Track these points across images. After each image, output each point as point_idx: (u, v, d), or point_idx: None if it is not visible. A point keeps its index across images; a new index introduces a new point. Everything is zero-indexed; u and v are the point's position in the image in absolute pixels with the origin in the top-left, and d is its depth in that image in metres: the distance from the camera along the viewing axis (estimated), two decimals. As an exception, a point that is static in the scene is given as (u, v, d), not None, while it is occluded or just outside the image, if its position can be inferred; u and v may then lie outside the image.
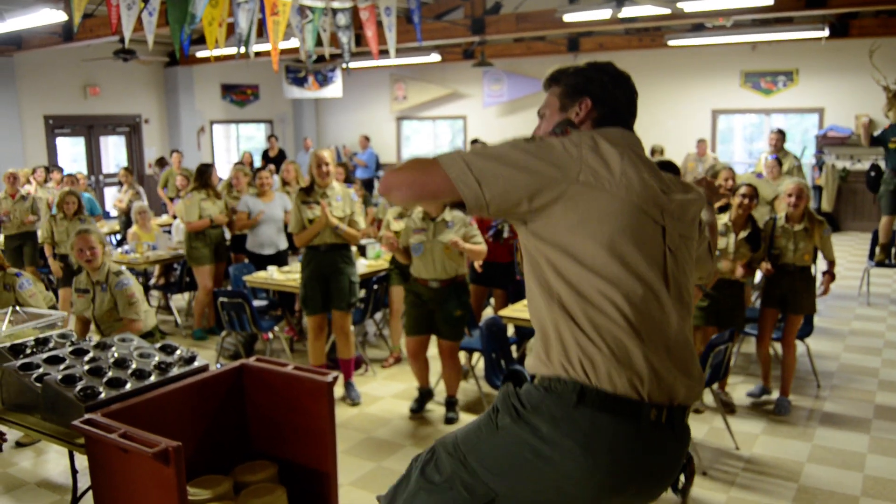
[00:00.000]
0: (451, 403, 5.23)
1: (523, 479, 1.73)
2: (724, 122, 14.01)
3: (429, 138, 17.10)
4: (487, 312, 6.76)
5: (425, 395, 5.38)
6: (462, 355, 5.86)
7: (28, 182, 9.66)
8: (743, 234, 5.11)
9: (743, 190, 5.09)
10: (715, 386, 4.92)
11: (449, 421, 5.14)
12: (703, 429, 4.95)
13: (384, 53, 9.20)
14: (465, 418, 5.19)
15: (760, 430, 4.96)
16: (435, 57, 13.00)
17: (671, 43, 11.33)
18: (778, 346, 5.83)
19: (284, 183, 8.27)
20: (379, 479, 4.39)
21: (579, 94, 1.96)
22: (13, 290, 5.08)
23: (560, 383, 1.73)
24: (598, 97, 1.95)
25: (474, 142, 6.14)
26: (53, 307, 5.60)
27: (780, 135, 7.99)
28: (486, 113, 15.72)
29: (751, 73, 13.23)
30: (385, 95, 16.97)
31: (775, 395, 5.41)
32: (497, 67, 14.46)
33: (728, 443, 4.73)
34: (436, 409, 5.40)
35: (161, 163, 10.66)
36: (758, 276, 5.04)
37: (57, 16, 7.88)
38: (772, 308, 5.27)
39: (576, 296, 1.73)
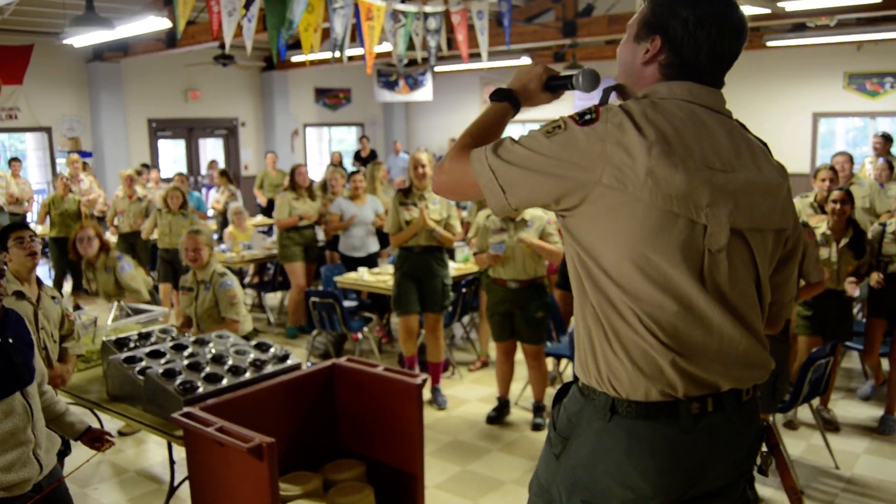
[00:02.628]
0: (538, 409, 5.19)
1: (600, 500, 1.67)
2: (826, 125, 13.46)
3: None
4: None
5: (504, 404, 5.35)
6: (549, 361, 5.80)
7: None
8: (844, 241, 4.90)
9: (835, 195, 4.88)
10: (815, 402, 4.72)
11: (536, 427, 5.10)
12: (800, 446, 4.76)
13: (474, 57, 9.22)
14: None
15: (863, 450, 4.73)
16: (525, 60, 12.94)
17: (770, 44, 10.95)
18: (884, 362, 5.55)
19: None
20: (465, 483, 4.39)
21: (653, 28, 1.67)
22: (114, 272, 5.34)
23: (595, 393, 1.68)
24: (673, 38, 1.64)
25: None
26: (154, 290, 5.84)
27: (885, 139, 7.62)
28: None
29: (855, 74, 12.67)
30: (475, 98, 17.00)
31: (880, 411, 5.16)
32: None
33: (827, 461, 4.53)
34: (523, 414, 5.37)
35: (224, 174, 10.82)
36: (856, 290, 4.81)
37: (162, 23, 8.19)
38: (880, 319, 5.02)
39: (606, 303, 1.62)
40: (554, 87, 1.85)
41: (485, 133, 1.79)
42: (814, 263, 4.26)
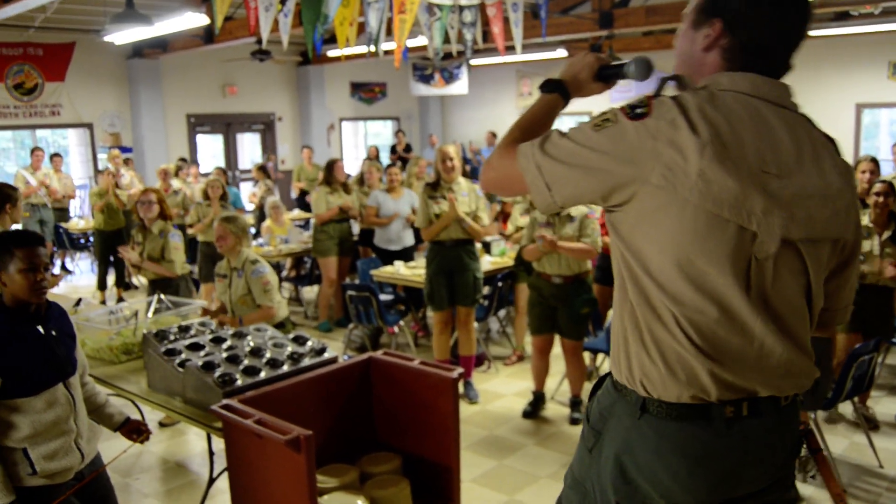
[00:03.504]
0: (575, 404, 5.17)
1: (631, 496, 1.66)
2: (869, 116, 13.17)
3: (553, 135, 16.94)
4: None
5: (540, 398, 5.33)
6: (586, 356, 5.77)
7: (176, 176, 10.21)
8: (887, 234, 4.79)
9: (878, 188, 4.79)
10: (856, 399, 4.63)
11: (573, 422, 5.07)
12: (842, 444, 4.67)
13: (510, 50, 9.17)
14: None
15: (908, 447, 4.64)
16: (561, 52, 12.84)
17: (812, 33, 10.68)
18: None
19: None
20: (500, 478, 4.38)
21: (711, 11, 1.58)
22: (165, 238, 5.53)
23: (626, 390, 1.66)
24: (733, 19, 1.55)
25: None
26: (195, 283, 5.95)
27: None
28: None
29: (901, 63, 12.38)
30: (511, 91, 16.94)
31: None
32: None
33: (870, 460, 4.44)
34: (558, 409, 5.34)
35: (261, 169, 10.90)
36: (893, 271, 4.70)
37: (200, 19, 8.28)
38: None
39: (644, 304, 1.58)
40: (606, 76, 1.79)
41: (534, 126, 1.74)
42: None
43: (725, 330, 1.54)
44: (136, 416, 4.43)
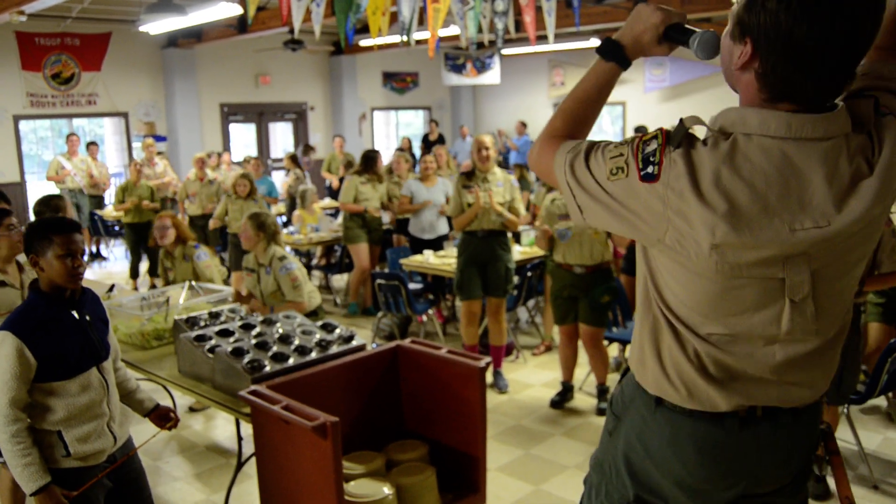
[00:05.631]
0: (602, 392, 5.14)
1: (643, 479, 1.68)
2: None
3: (585, 125, 16.83)
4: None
5: (567, 389, 5.31)
6: (615, 347, 5.74)
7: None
8: None
9: None
10: (891, 394, 4.55)
11: (600, 412, 5.05)
12: (876, 439, 4.60)
13: (542, 39, 9.12)
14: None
15: (944, 444, 4.56)
16: (594, 42, 12.73)
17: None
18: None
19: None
20: (527, 467, 4.38)
21: (746, 27, 1.36)
22: (191, 261, 5.51)
23: (643, 385, 1.67)
24: (764, 43, 1.33)
25: (638, 129, 5.85)
26: (226, 281, 5.98)
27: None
28: (646, 98, 15.26)
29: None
30: (543, 81, 16.84)
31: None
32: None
33: (906, 454, 4.37)
34: (586, 399, 5.32)
35: (293, 158, 10.96)
36: None
37: (233, 9, 8.34)
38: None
39: (664, 326, 1.56)
40: (673, 39, 1.60)
41: (581, 108, 1.65)
42: (889, 252, 4.10)
43: (746, 364, 1.53)
44: (166, 400, 4.50)
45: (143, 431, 3.61)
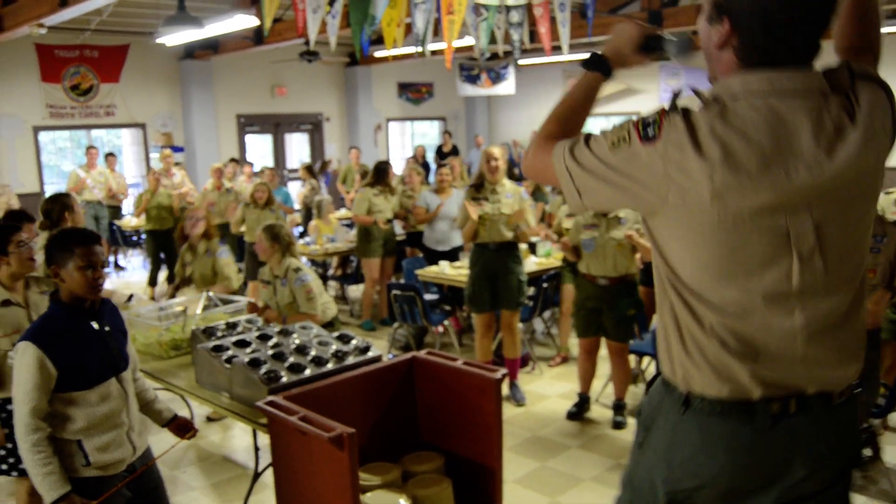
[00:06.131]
0: (618, 407, 5.11)
1: (675, 490, 1.65)
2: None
3: (601, 135, 16.79)
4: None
5: (585, 400, 5.29)
6: (632, 359, 5.71)
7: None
8: None
9: None
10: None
11: (617, 425, 5.02)
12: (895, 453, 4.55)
13: (557, 50, 9.12)
14: (634, 424, 5.05)
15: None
16: (604, 53, 12.70)
17: (886, 30, 10.44)
18: None
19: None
20: (544, 479, 4.37)
21: (722, 8, 1.51)
22: (213, 257, 5.60)
23: (672, 386, 1.67)
24: (741, 19, 1.48)
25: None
26: (244, 283, 6.04)
27: None
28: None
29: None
30: (557, 92, 16.83)
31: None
32: (674, 61, 13.96)
33: (927, 468, 4.32)
34: (603, 411, 5.30)
35: (308, 169, 10.99)
36: None
37: (250, 21, 8.40)
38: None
39: (682, 305, 1.58)
40: (648, 48, 1.76)
41: (572, 113, 1.76)
42: None
43: (766, 333, 1.53)
44: (183, 410, 4.52)
45: (161, 441, 3.63)
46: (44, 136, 12.60)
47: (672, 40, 1.70)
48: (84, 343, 2.66)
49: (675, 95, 1.57)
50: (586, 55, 1.81)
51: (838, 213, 1.49)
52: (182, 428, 3.10)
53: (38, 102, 12.00)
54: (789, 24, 1.45)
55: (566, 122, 1.73)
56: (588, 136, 1.61)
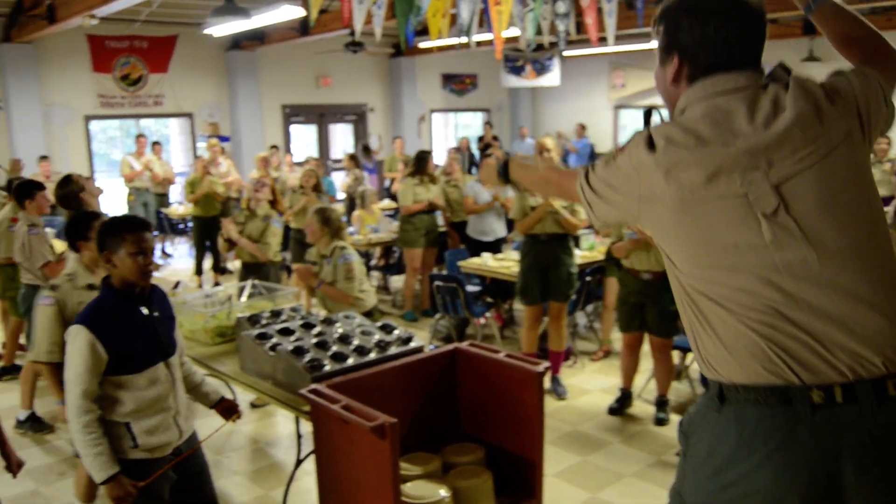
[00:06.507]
0: (661, 403, 5.05)
1: (720, 498, 1.59)
2: None
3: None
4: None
5: (627, 396, 5.24)
6: (675, 354, 5.64)
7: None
8: None
9: None
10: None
11: (659, 422, 4.97)
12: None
13: (603, 41, 9.03)
14: (676, 420, 4.99)
15: None
16: (657, 43, 12.52)
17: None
18: None
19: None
20: (584, 474, 4.34)
21: (669, 47, 1.72)
22: (267, 222, 5.76)
23: (709, 383, 1.68)
24: (686, 49, 1.68)
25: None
26: (285, 267, 6.17)
27: None
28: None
29: None
30: (603, 83, 16.67)
31: None
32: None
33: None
34: (645, 407, 5.25)
35: (353, 158, 11.03)
36: None
37: (296, 12, 8.45)
38: None
39: (694, 291, 1.64)
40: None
41: (535, 171, 2.17)
42: None
43: (774, 303, 1.53)
44: (228, 396, 4.58)
45: (205, 426, 3.68)
46: (94, 126, 12.86)
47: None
48: (134, 328, 2.71)
49: (647, 117, 1.87)
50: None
51: (814, 181, 1.56)
52: (228, 410, 3.15)
53: (89, 92, 12.25)
54: (726, 41, 1.64)
55: (542, 171, 2.13)
56: (595, 163, 1.81)
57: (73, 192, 4.76)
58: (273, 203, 6.02)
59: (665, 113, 1.89)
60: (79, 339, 2.61)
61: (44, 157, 10.61)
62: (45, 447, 4.92)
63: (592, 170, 1.78)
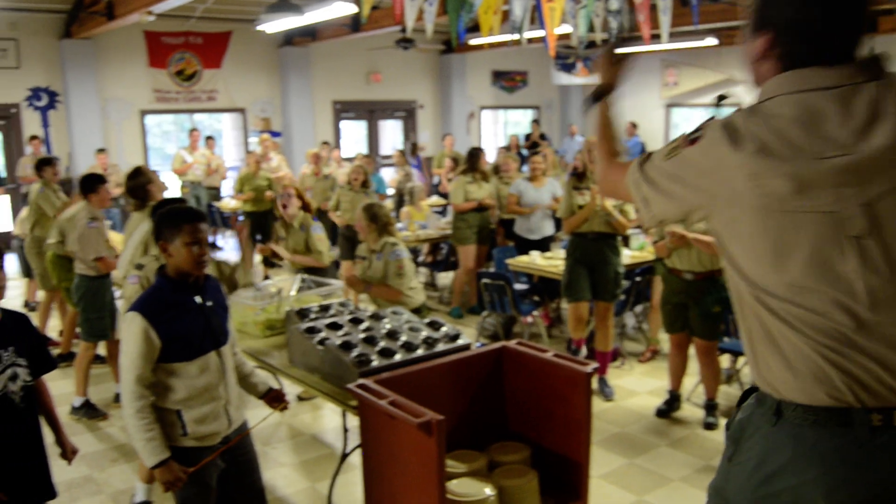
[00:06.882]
0: (710, 407, 4.96)
1: None
2: None
3: (699, 127, 16.33)
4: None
5: (675, 398, 5.16)
6: (726, 358, 5.55)
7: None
8: None
9: None
10: None
11: (708, 426, 4.88)
12: None
13: (656, 38, 8.91)
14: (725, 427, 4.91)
15: None
16: (710, 41, 12.34)
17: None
18: None
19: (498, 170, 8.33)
20: (630, 476, 4.29)
21: (761, 22, 1.60)
22: (307, 231, 5.73)
23: (763, 395, 1.61)
24: (780, 28, 1.56)
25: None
26: (336, 263, 6.18)
27: None
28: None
29: None
30: (655, 81, 16.46)
31: None
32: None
33: None
34: (694, 411, 5.16)
35: (403, 155, 11.01)
36: None
37: (348, 8, 8.50)
38: None
39: (758, 304, 1.55)
40: (615, 57, 2.16)
41: (608, 137, 2.04)
42: None
43: (841, 324, 1.47)
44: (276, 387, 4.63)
45: (254, 417, 3.72)
46: (150, 120, 13.12)
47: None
48: (187, 316, 2.76)
49: (718, 102, 1.67)
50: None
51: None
52: (275, 399, 3.20)
53: (145, 87, 12.50)
54: (826, 30, 1.53)
55: (612, 143, 2.00)
56: (650, 153, 1.74)
57: (141, 183, 4.88)
58: (304, 207, 5.98)
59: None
60: (133, 326, 2.67)
61: (101, 150, 10.87)
62: (99, 434, 5.04)
63: (649, 161, 1.70)
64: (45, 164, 7.17)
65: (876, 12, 10.49)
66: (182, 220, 2.75)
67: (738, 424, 1.67)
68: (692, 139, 1.60)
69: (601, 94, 2.12)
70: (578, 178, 5.42)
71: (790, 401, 1.53)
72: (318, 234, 5.82)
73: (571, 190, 5.38)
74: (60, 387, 5.68)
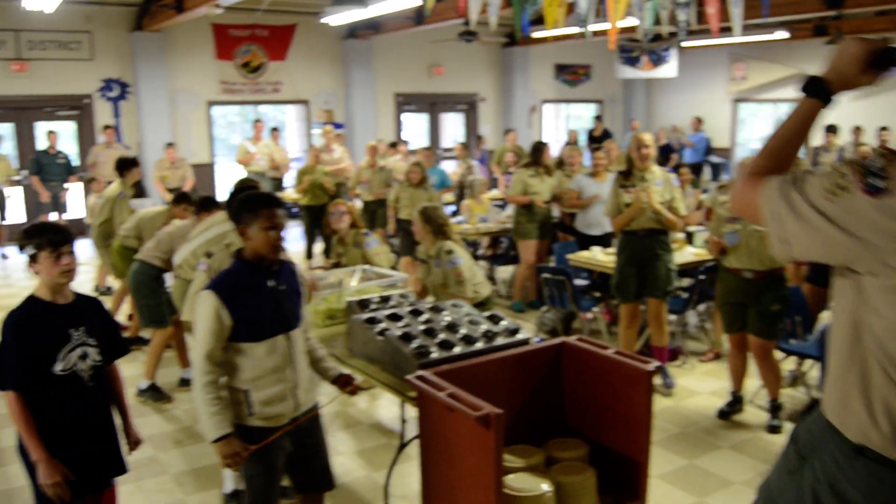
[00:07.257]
0: (774, 409, 4.84)
1: None
2: None
3: (767, 122, 15.93)
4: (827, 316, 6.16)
5: (737, 400, 5.04)
6: (792, 361, 5.41)
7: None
8: None
9: None
10: None
11: (772, 430, 4.76)
12: None
13: (724, 31, 8.71)
14: (790, 429, 4.79)
15: None
16: (781, 34, 12.01)
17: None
18: None
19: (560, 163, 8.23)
20: (690, 477, 4.22)
21: None
22: (361, 248, 5.69)
23: (841, 434, 1.54)
24: None
25: (829, 129, 5.44)
26: (394, 268, 6.15)
27: None
28: (837, 95, 14.26)
29: None
30: (722, 76, 16.10)
31: None
32: None
33: None
34: (757, 413, 5.05)
35: (466, 148, 10.92)
36: None
37: (412, 1, 8.53)
38: None
39: (880, 372, 1.46)
40: (878, 63, 1.56)
41: (785, 145, 1.64)
42: None
43: None
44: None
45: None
46: (216, 111, 13.38)
47: None
48: (259, 299, 2.83)
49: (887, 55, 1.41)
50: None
51: None
52: (345, 384, 3.24)
53: (212, 79, 12.76)
54: None
55: (777, 157, 1.63)
56: (802, 177, 1.49)
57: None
58: (353, 224, 5.87)
59: None
60: (206, 304, 2.75)
61: (170, 144, 11.11)
62: (164, 415, 5.17)
63: (796, 189, 1.49)
64: (130, 165, 7.18)
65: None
66: (261, 205, 2.83)
67: (809, 441, 1.63)
68: (871, 187, 1.37)
69: (827, 90, 1.65)
70: (625, 176, 5.33)
71: (866, 445, 1.50)
72: (374, 248, 5.77)
73: (618, 188, 5.30)
74: (126, 370, 5.83)
